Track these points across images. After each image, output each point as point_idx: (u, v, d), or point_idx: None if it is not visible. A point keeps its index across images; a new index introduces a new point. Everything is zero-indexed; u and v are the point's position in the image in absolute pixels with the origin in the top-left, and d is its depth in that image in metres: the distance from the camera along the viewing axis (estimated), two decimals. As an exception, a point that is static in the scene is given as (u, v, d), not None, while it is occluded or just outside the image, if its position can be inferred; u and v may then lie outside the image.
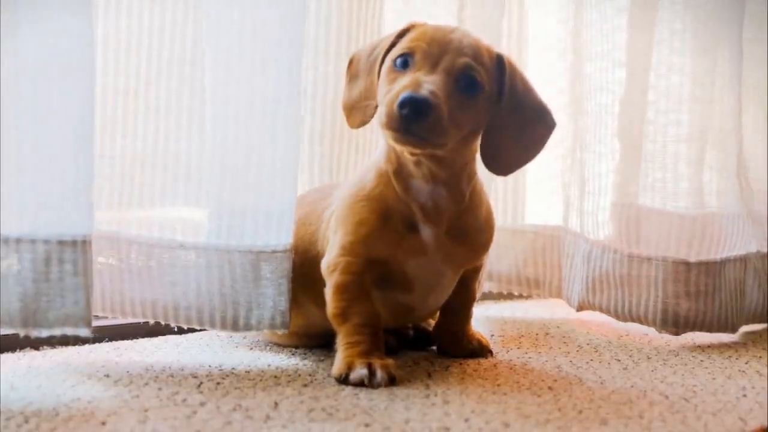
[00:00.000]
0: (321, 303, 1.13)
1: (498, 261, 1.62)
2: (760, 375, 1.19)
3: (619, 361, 1.26)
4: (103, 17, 1.13)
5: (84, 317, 0.99)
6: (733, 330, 1.45)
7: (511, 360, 1.23)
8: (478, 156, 1.14)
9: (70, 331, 0.99)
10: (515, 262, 1.62)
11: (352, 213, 1.12)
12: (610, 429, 0.91)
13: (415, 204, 1.11)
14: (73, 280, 0.99)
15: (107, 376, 1.06)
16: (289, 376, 1.10)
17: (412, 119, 1.00)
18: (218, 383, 1.05)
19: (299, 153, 1.18)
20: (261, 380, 1.07)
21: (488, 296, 1.73)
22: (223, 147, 1.14)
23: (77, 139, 0.99)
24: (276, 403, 0.96)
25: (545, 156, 1.57)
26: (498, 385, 1.08)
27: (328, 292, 1.12)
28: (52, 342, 1.19)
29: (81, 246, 0.99)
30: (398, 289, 1.14)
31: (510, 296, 1.76)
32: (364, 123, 1.14)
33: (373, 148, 1.42)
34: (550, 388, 1.08)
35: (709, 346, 1.40)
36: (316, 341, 1.24)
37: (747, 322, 1.51)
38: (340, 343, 1.10)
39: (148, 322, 1.16)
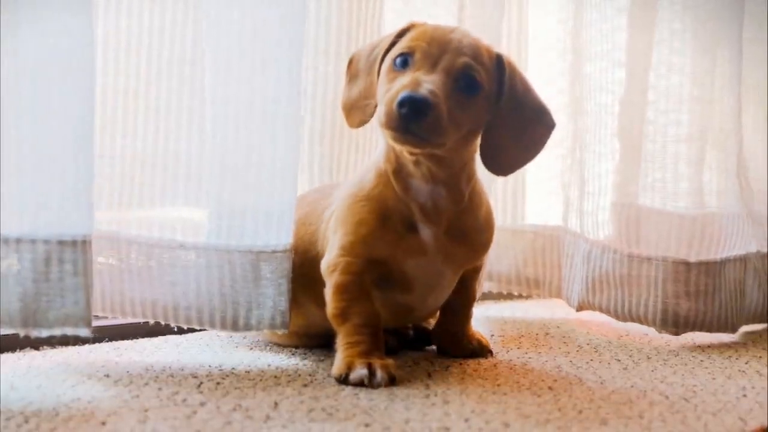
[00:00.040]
0: (321, 303, 1.13)
1: (498, 261, 1.62)
2: (760, 375, 1.19)
3: (619, 361, 1.26)
4: (103, 17, 1.13)
5: (84, 317, 0.99)
6: (733, 330, 1.45)
7: (511, 360, 1.23)
8: (477, 156, 1.14)
9: (70, 331, 0.99)
10: (515, 262, 1.62)
11: (351, 213, 1.12)
12: (610, 429, 0.91)
13: (414, 204, 1.11)
14: (73, 280, 0.99)
15: (107, 376, 1.06)
16: (289, 376, 1.10)
17: (412, 118, 1.00)
18: (218, 383, 1.05)
19: (299, 153, 1.18)
20: (261, 380, 1.07)
21: (488, 296, 1.73)
22: (223, 147, 1.14)
23: (77, 139, 0.99)
24: (276, 403, 0.96)
25: (545, 156, 1.56)
26: (498, 385, 1.08)
27: (328, 293, 1.12)
28: (52, 342, 1.19)
29: (81, 246, 0.99)
30: (398, 289, 1.14)
31: (510, 296, 1.76)
32: (363, 122, 1.14)
33: (373, 148, 1.42)
34: (550, 388, 1.08)
35: (709, 346, 1.40)
36: (316, 341, 1.24)
37: (747, 322, 1.51)
38: (340, 343, 1.10)
39: (148, 322, 1.16)
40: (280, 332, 1.17)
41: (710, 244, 1.45)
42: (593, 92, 1.49)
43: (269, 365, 1.15)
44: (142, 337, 1.29)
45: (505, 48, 1.52)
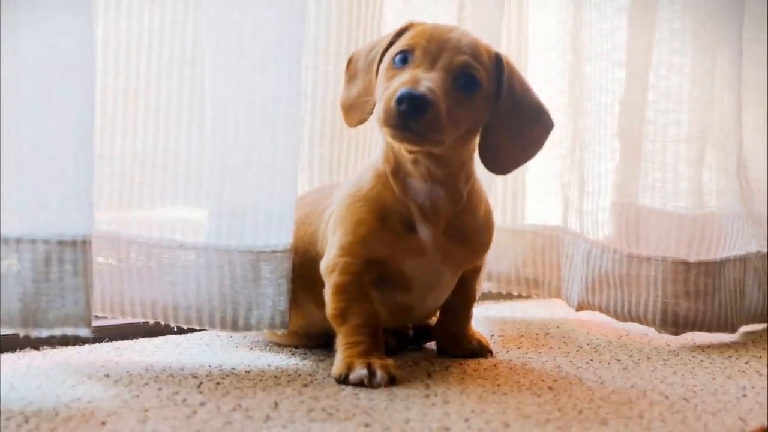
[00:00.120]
0: (321, 303, 1.13)
1: (497, 261, 1.62)
2: (760, 375, 1.20)
3: (619, 361, 1.26)
4: (103, 17, 1.13)
5: (84, 317, 0.99)
6: (733, 330, 1.45)
7: (511, 360, 1.23)
8: (476, 156, 1.14)
9: (70, 331, 0.99)
10: (514, 262, 1.62)
11: (350, 213, 1.12)
12: (610, 429, 0.91)
13: (412, 204, 1.11)
14: (73, 280, 0.99)
15: (107, 376, 1.06)
16: (289, 376, 1.10)
17: (410, 115, 1.00)
18: (218, 383, 1.05)
19: (299, 153, 1.18)
20: (261, 380, 1.07)
21: (488, 296, 1.73)
22: (223, 147, 1.14)
23: (77, 139, 0.99)
24: (276, 403, 0.96)
25: (545, 156, 1.57)
26: (498, 385, 1.08)
27: (327, 293, 1.12)
28: (52, 342, 1.19)
29: (81, 246, 0.99)
30: (397, 289, 1.14)
31: (510, 296, 1.76)
32: (362, 121, 1.14)
33: (372, 148, 1.42)
34: (550, 388, 1.08)
35: (709, 346, 1.40)
36: (316, 341, 1.24)
37: (747, 322, 1.51)
38: (340, 343, 1.10)
39: (148, 322, 1.16)
40: (279, 332, 1.17)
41: (710, 244, 1.45)
42: (593, 92, 1.49)
43: (269, 365, 1.15)
44: (142, 337, 1.29)
45: (505, 48, 1.53)
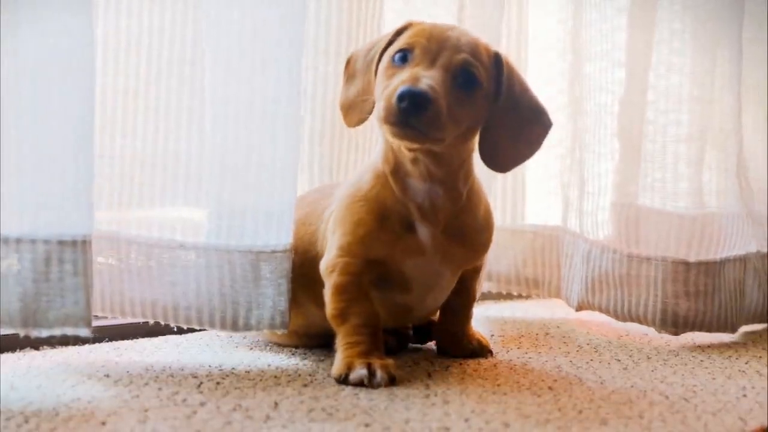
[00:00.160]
0: (321, 303, 1.13)
1: (497, 261, 1.62)
2: (760, 375, 1.20)
3: (619, 361, 1.26)
4: (103, 17, 1.13)
5: (84, 317, 0.99)
6: (733, 330, 1.45)
7: (511, 360, 1.23)
8: (475, 156, 1.15)
9: (70, 331, 0.99)
10: (514, 262, 1.62)
11: (349, 214, 1.12)
12: (610, 429, 0.91)
13: (412, 203, 1.11)
14: (73, 280, 0.99)
15: (107, 376, 1.06)
16: (289, 376, 1.10)
17: (411, 112, 1.00)
18: (218, 383, 1.05)
19: (299, 153, 1.18)
20: (261, 380, 1.07)
21: (488, 296, 1.73)
22: (223, 147, 1.14)
23: (77, 139, 0.99)
24: (276, 403, 0.96)
25: (544, 156, 1.57)
26: (498, 385, 1.08)
27: (327, 293, 1.12)
28: (52, 342, 1.19)
29: (81, 246, 0.99)
30: (396, 289, 1.14)
31: (510, 296, 1.76)
32: (361, 121, 1.14)
33: (372, 148, 1.42)
34: (550, 388, 1.08)
35: (709, 346, 1.40)
36: (316, 341, 1.24)
37: (747, 322, 1.51)
38: (340, 343, 1.10)
39: (148, 322, 1.16)
40: (279, 332, 1.17)
41: (710, 244, 1.45)
42: (593, 92, 1.49)
43: (269, 365, 1.15)
44: (142, 337, 1.29)
45: (504, 48, 1.53)
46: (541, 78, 1.56)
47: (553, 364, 1.21)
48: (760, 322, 1.54)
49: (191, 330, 1.27)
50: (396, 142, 1.08)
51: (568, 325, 1.52)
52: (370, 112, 1.11)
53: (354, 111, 1.14)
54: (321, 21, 1.34)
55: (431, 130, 1.02)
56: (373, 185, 1.13)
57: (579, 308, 1.49)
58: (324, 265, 1.13)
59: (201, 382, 1.05)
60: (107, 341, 1.25)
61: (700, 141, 1.48)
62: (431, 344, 1.29)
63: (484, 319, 1.55)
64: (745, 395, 1.08)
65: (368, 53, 1.14)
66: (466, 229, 1.14)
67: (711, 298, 1.42)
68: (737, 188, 1.50)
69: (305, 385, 1.05)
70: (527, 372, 1.16)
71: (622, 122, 1.48)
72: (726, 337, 1.47)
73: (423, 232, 1.11)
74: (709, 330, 1.42)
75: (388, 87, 1.04)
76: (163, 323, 1.16)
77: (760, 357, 1.32)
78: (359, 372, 1.05)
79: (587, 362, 1.24)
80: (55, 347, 1.20)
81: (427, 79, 1.02)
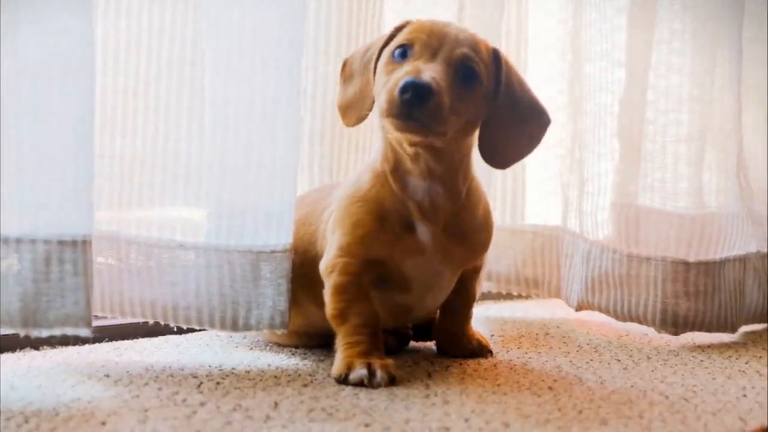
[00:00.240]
0: (321, 303, 1.13)
1: (497, 261, 1.62)
2: (760, 375, 1.20)
3: (619, 361, 1.26)
4: (103, 17, 1.13)
5: (84, 317, 0.99)
6: (733, 330, 1.45)
7: (511, 360, 1.23)
8: (474, 156, 1.15)
9: (70, 331, 0.99)
10: (514, 262, 1.62)
11: (348, 214, 1.12)
12: (610, 429, 0.91)
13: (411, 202, 1.11)
14: (73, 280, 0.99)
15: (107, 376, 1.06)
16: (289, 376, 1.10)
17: (414, 104, 1.00)
18: (218, 383, 1.05)
19: (299, 153, 1.18)
20: (261, 380, 1.07)
21: (488, 296, 1.73)
22: (223, 147, 1.14)
23: (77, 139, 0.99)
24: (276, 403, 0.96)
25: (544, 156, 1.58)
26: (498, 385, 1.08)
27: (327, 293, 1.12)
28: (52, 342, 1.19)
29: (81, 246, 0.99)
30: (396, 289, 1.14)
31: (510, 296, 1.76)
32: (360, 120, 1.14)
33: (372, 148, 1.42)
34: (550, 388, 1.08)
35: (709, 346, 1.40)
36: (316, 341, 1.24)
37: (747, 322, 1.51)
38: (340, 343, 1.10)
39: (148, 322, 1.16)
40: (279, 332, 1.17)
41: (710, 244, 1.45)
42: (593, 92, 1.49)
43: (269, 365, 1.15)
44: (142, 337, 1.29)
45: (504, 48, 1.53)
46: (541, 78, 1.56)
47: (553, 364, 1.21)
48: (760, 322, 1.54)
49: (191, 330, 1.27)
50: (398, 136, 1.07)
51: (568, 325, 1.53)
52: (370, 109, 1.11)
53: (353, 110, 1.14)
54: (321, 21, 1.34)
55: (433, 122, 1.02)
56: (372, 185, 1.13)
57: (579, 308, 1.49)
58: (324, 266, 1.13)
59: (201, 382, 1.05)
60: (107, 341, 1.25)
61: (700, 141, 1.48)
62: (431, 344, 1.29)
63: (484, 319, 1.55)
64: (745, 395, 1.08)
65: (365, 53, 1.14)
66: (465, 229, 1.14)
67: (711, 298, 1.42)
68: (737, 188, 1.50)
69: (305, 385, 1.05)
70: (527, 372, 1.16)
71: (622, 122, 1.48)
72: (726, 337, 1.47)
73: (423, 231, 1.11)
74: (709, 330, 1.42)
75: (389, 81, 1.04)
76: (163, 323, 1.16)
77: (760, 357, 1.32)
78: (359, 372, 1.05)
79: (587, 362, 1.24)
80: (55, 347, 1.20)
81: (430, 71, 1.02)
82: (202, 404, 0.95)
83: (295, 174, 1.16)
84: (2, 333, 1.11)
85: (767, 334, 1.52)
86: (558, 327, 1.51)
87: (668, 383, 1.13)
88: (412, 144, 1.08)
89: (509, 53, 1.43)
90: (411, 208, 1.11)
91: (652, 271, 1.42)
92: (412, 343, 1.30)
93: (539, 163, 1.60)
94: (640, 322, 1.44)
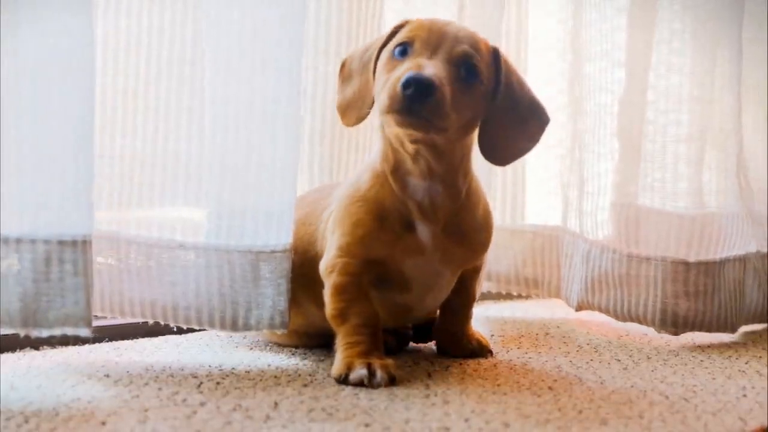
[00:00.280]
0: (321, 303, 1.13)
1: (497, 261, 1.62)
2: (760, 375, 1.20)
3: (619, 361, 1.26)
4: (103, 17, 1.13)
5: (84, 317, 0.99)
6: (733, 330, 1.45)
7: (511, 360, 1.23)
8: (474, 156, 1.15)
9: (70, 331, 0.99)
10: (514, 262, 1.62)
11: (348, 214, 1.12)
12: (610, 429, 0.91)
13: (411, 202, 1.11)
14: (73, 280, 0.99)
15: (107, 376, 1.06)
16: (289, 376, 1.10)
17: (416, 99, 1.00)
18: (218, 383, 1.05)
19: (299, 153, 1.18)
20: (261, 380, 1.07)
21: (488, 296, 1.73)
22: (223, 147, 1.14)
23: (77, 139, 0.99)
24: (276, 403, 0.96)
25: (544, 156, 1.58)
26: (498, 385, 1.08)
27: (327, 293, 1.12)
28: (52, 342, 1.19)
29: (81, 246, 0.99)
30: (396, 289, 1.14)
31: (510, 296, 1.76)
32: (360, 119, 1.14)
33: (372, 148, 1.42)
34: (550, 388, 1.08)
35: (709, 346, 1.40)
36: (316, 341, 1.24)
37: (747, 322, 1.51)
38: (340, 343, 1.10)
39: (148, 322, 1.16)
40: (279, 332, 1.17)
41: (710, 244, 1.45)
42: (593, 92, 1.49)
43: (269, 365, 1.15)
44: (142, 337, 1.29)
45: (504, 48, 1.52)
46: (541, 78, 1.56)
47: (553, 364, 1.21)
48: (760, 322, 1.54)
49: (191, 330, 1.27)
50: (399, 133, 1.07)
51: (568, 325, 1.53)
52: (370, 108, 1.11)
53: (352, 110, 1.14)
54: (321, 21, 1.34)
55: (435, 118, 1.02)
56: (371, 185, 1.12)
57: (579, 308, 1.49)
58: (323, 266, 1.13)
59: (201, 382, 1.05)
60: (107, 341, 1.25)
61: (700, 141, 1.48)
62: (431, 344, 1.29)
63: (484, 319, 1.55)
64: (745, 395, 1.08)
65: (365, 53, 1.14)
66: (465, 228, 1.14)
67: (711, 298, 1.42)
68: (737, 188, 1.50)
69: (305, 385, 1.05)
70: (527, 372, 1.16)
71: (622, 122, 1.48)
72: (726, 337, 1.47)
73: (422, 231, 1.11)
74: (709, 330, 1.42)
75: (390, 78, 1.03)
76: (163, 323, 1.16)
77: (760, 357, 1.32)
78: (359, 372, 1.05)
79: (587, 362, 1.24)
80: (55, 347, 1.20)
81: (431, 67, 1.02)
82: (202, 404, 0.95)
83: (295, 174, 1.16)
84: (2, 333, 1.11)
85: (767, 334, 1.52)
86: (558, 327, 1.51)
87: (668, 383, 1.13)
88: (413, 141, 1.08)
89: (509, 53, 1.43)
90: (411, 207, 1.11)
91: (652, 271, 1.42)
92: (412, 343, 1.30)
93: (539, 163, 1.60)
94: (640, 322, 1.44)
